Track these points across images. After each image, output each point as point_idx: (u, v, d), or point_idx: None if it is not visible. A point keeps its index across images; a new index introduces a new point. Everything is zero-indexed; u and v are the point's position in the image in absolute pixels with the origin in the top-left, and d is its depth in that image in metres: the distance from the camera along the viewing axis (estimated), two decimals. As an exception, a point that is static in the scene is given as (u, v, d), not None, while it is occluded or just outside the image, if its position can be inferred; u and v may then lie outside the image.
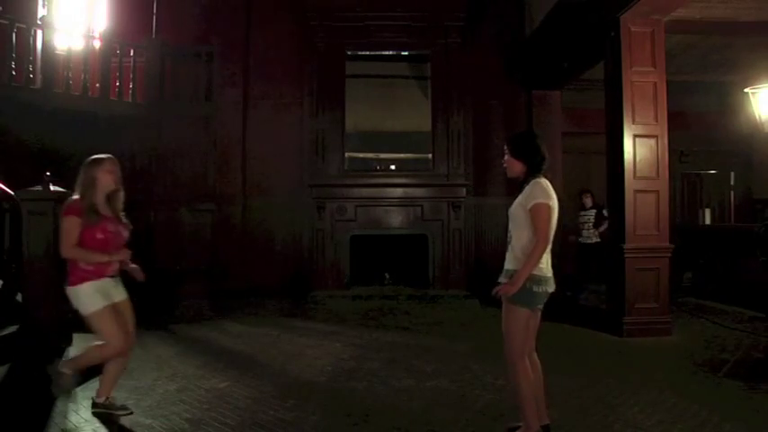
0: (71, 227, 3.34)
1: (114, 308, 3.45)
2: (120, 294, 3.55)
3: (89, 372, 4.38)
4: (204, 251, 8.33)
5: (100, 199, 3.45)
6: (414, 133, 8.75)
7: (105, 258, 3.37)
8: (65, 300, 4.65)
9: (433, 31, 8.63)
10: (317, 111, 8.63)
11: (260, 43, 8.94)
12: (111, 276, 3.50)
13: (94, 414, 3.52)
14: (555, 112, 9.02)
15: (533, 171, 3.08)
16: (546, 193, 2.99)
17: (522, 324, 3.01)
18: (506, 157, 3.19)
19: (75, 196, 3.43)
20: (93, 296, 3.32)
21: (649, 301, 5.85)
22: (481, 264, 8.63)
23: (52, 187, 4.56)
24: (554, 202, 3.02)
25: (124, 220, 3.63)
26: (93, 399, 3.59)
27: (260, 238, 8.74)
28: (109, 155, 3.57)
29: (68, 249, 3.34)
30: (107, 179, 3.49)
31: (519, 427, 3.21)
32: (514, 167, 3.15)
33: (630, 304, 5.80)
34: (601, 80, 6.60)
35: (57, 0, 8.50)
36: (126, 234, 3.60)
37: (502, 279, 3.09)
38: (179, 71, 8.97)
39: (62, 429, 3.38)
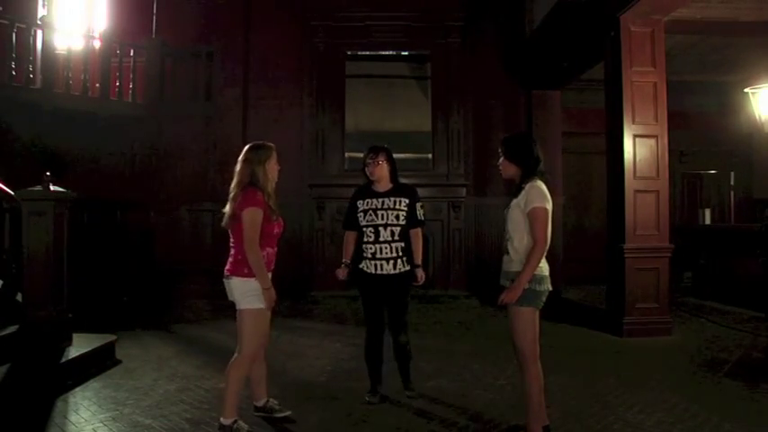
0: (258, 221, 3.17)
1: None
2: None
3: (89, 372, 4.40)
4: (204, 251, 8.32)
5: (271, 191, 3.29)
6: (414, 133, 8.75)
7: (268, 282, 3.21)
8: (65, 300, 4.69)
9: (433, 31, 8.63)
10: (317, 111, 8.64)
11: (260, 43, 8.94)
12: (271, 270, 3.40)
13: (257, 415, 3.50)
14: (555, 112, 9.02)
15: (528, 173, 3.09)
16: (543, 196, 3.00)
17: (530, 324, 3.03)
18: (501, 159, 3.21)
19: (250, 188, 3.22)
20: (260, 295, 3.20)
21: (649, 301, 5.84)
22: (481, 264, 8.62)
23: (52, 187, 4.55)
24: (551, 205, 3.04)
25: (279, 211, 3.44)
26: (254, 404, 3.55)
27: (260, 238, 8.73)
28: (271, 143, 3.43)
29: (254, 246, 3.15)
30: (275, 171, 3.37)
31: (520, 428, 3.22)
32: (508, 170, 3.19)
33: (630, 304, 5.80)
34: (601, 80, 6.61)
35: (57, 0, 8.50)
36: (283, 226, 3.45)
37: (504, 282, 3.11)
38: (179, 71, 8.97)
39: (62, 429, 3.37)
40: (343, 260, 3.88)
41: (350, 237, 3.90)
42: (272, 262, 3.40)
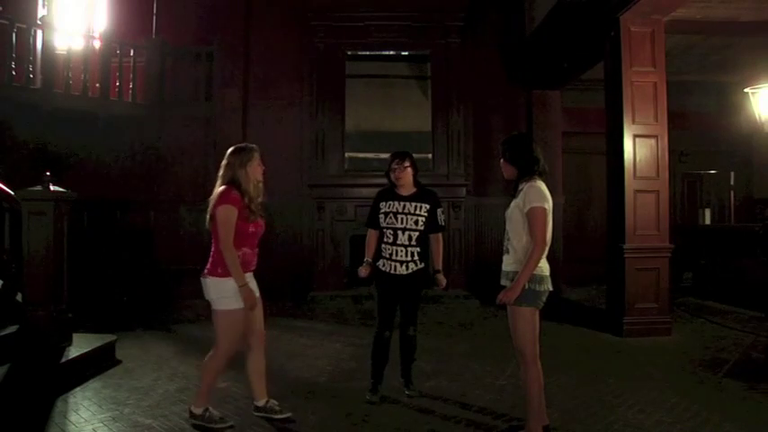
0: (231, 218, 3.22)
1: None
2: (255, 291, 3.44)
3: (89, 372, 4.40)
4: (204, 251, 8.30)
5: (255, 193, 3.35)
6: (414, 133, 8.75)
7: (244, 280, 3.22)
8: (65, 300, 4.69)
9: (433, 31, 8.63)
10: (317, 111, 8.63)
11: (260, 43, 8.94)
12: (251, 271, 3.43)
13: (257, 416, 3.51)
14: (555, 112, 9.02)
15: (525, 173, 3.10)
16: (542, 195, 3.00)
17: (529, 323, 3.04)
18: (501, 160, 3.22)
19: (228, 187, 3.29)
20: (236, 295, 3.23)
21: (649, 301, 5.85)
22: (481, 264, 8.62)
23: (52, 187, 4.55)
24: (550, 205, 3.04)
25: (263, 211, 3.47)
26: (255, 404, 3.55)
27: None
28: (254, 145, 3.49)
29: (227, 244, 3.19)
30: (258, 172, 3.42)
31: (520, 428, 3.22)
32: (508, 170, 3.20)
33: (630, 304, 5.80)
34: (601, 80, 6.61)
35: (57, 0, 8.50)
36: (264, 227, 3.48)
37: (504, 282, 3.11)
38: (179, 71, 8.97)
39: (62, 429, 3.37)
40: (366, 258, 3.98)
41: (372, 235, 4.00)
42: (251, 263, 3.42)
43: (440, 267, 3.96)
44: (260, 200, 3.43)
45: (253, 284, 3.43)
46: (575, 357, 5.04)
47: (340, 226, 8.47)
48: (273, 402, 3.57)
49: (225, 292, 3.24)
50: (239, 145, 3.50)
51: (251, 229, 3.35)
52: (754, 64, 8.16)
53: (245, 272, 3.32)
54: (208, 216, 3.34)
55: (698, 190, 11.56)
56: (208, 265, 3.34)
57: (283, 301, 8.07)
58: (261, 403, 3.55)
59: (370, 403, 3.83)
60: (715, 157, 11.19)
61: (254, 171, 3.39)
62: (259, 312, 3.50)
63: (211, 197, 3.35)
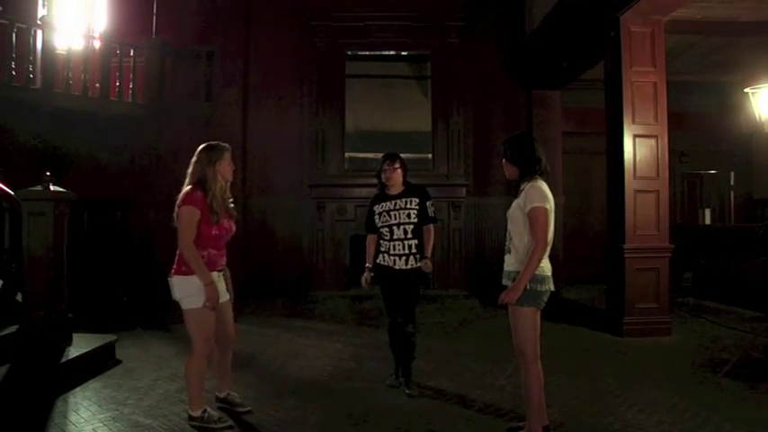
0: (192, 220, 3.22)
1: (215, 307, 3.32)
2: (223, 294, 3.43)
3: (89, 372, 4.40)
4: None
5: (220, 193, 3.31)
6: (414, 133, 8.75)
7: (209, 278, 3.19)
8: (65, 300, 4.69)
9: (433, 31, 8.63)
10: (317, 111, 8.64)
11: (260, 43, 8.94)
12: (219, 270, 3.40)
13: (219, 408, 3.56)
14: (555, 112, 9.02)
15: (527, 173, 3.10)
16: (543, 195, 3.00)
17: (530, 323, 3.04)
18: (503, 159, 3.22)
19: (192, 187, 3.27)
20: (200, 293, 3.20)
21: (649, 301, 5.85)
22: (481, 264, 8.63)
23: (52, 187, 4.55)
24: (551, 205, 3.04)
25: (233, 212, 3.46)
26: (216, 394, 3.61)
27: (260, 238, 8.74)
28: (226, 144, 3.46)
29: (187, 243, 3.20)
30: (228, 171, 3.39)
31: (520, 428, 3.22)
32: (509, 170, 3.21)
33: (630, 304, 5.80)
34: (601, 80, 6.61)
35: (57, 0, 8.50)
36: (234, 229, 3.46)
37: (506, 281, 3.11)
38: (179, 71, 8.96)
39: (62, 429, 3.38)
40: (367, 264, 4.19)
41: (371, 240, 4.23)
42: (217, 263, 3.39)
43: (428, 255, 4.12)
44: (230, 201, 3.42)
45: (220, 285, 3.42)
46: (575, 357, 5.04)
47: (340, 226, 8.47)
48: (234, 395, 3.63)
49: (189, 291, 3.22)
50: (211, 142, 3.47)
51: (214, 231, 3.31)
52: (754, 64, 8.16)
53: (211, 271, 3.31)
54: (174, 216, 3.33)
55: (698, 190, 11.56)
56: (174, 265, 3.34)
57: (283, 300, 8.07)
58: (222, 395, 3.62)
59: (392, 387, 4.07)
60: (715, 157, 11.19)
61: (224, 170, 3.37)
62: (228, 315, 3.51)
63: (178, 197, 3.32)
